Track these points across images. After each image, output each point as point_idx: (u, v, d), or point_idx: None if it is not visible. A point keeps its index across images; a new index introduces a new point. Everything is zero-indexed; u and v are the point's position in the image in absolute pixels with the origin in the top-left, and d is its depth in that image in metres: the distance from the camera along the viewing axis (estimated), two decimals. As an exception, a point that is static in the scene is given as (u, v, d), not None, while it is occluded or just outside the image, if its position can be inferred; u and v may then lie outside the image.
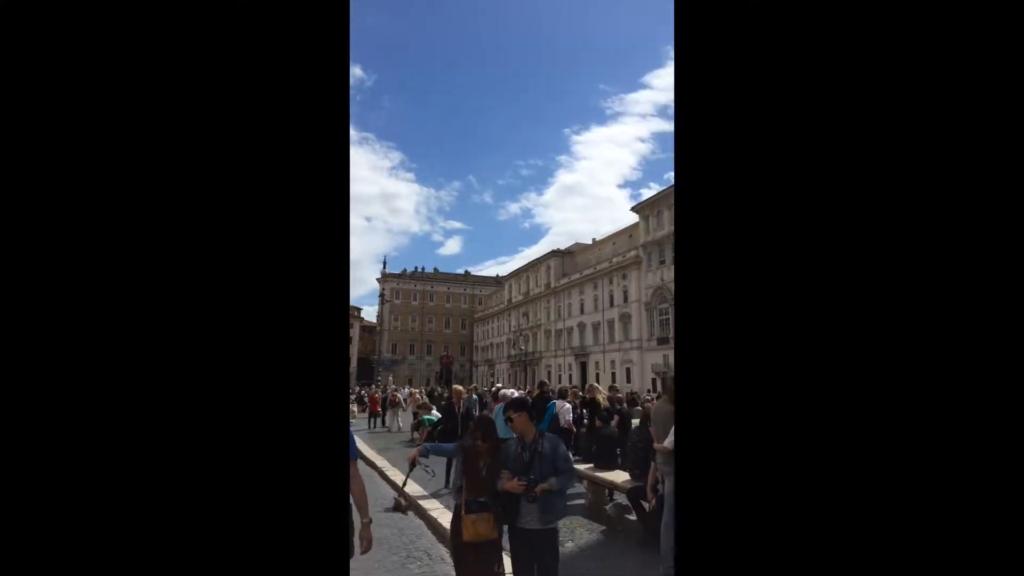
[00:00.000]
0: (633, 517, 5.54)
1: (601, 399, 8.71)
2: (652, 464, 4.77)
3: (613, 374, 43.67)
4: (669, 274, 41.19)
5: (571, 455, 3.45)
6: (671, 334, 33.36)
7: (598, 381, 26.83)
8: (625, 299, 44.87)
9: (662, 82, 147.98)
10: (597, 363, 47.50)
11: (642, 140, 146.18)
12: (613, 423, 7.78)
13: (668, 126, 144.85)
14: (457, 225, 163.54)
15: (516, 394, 8.96)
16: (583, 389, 11.15)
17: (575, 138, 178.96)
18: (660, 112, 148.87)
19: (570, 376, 49.20)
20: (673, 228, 37.10)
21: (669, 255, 40.81)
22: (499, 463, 3.02)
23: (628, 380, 40.78)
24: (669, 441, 4.04)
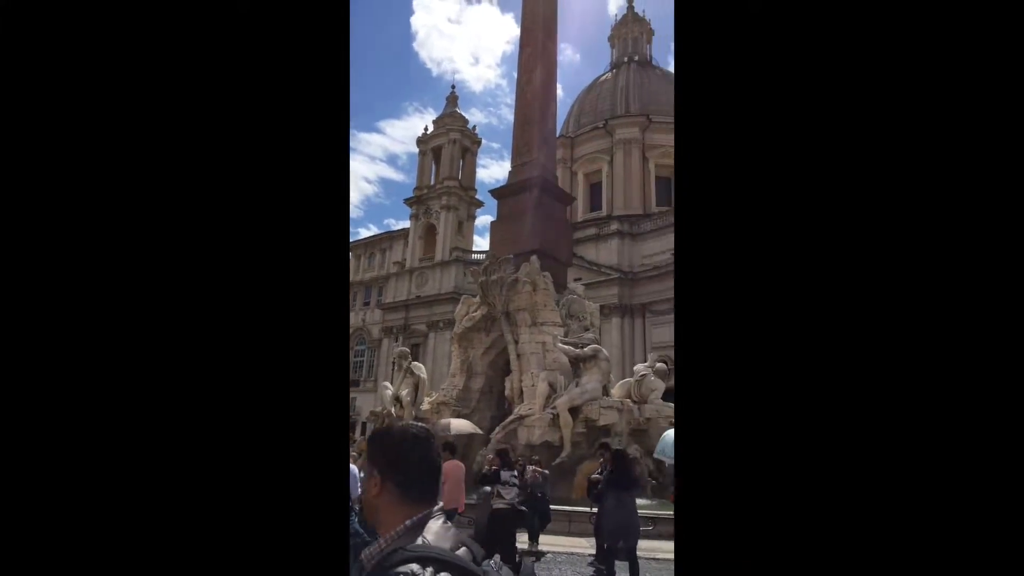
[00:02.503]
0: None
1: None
2: None
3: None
4: (372, 316, 41.68)
5: None
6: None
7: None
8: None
9: (397, 132, 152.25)
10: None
11: (368, 181, 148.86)
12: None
13: (395, 175, 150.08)
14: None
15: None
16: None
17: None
18: (390, 159, 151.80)
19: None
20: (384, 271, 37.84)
21: (374, 296, 40.32)
22: None
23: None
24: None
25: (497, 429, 15.43)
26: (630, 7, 56.88)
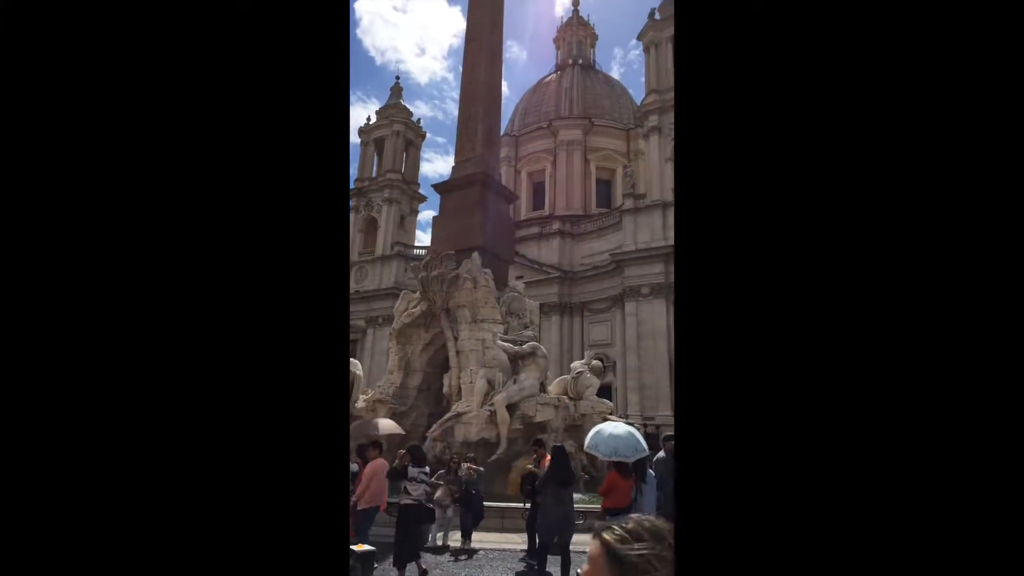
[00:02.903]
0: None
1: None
2: None
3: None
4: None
5: None
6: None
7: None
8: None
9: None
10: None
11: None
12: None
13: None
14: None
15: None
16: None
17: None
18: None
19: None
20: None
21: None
22: None
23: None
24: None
25: (434, 426, 15.28)
26: (575, 10, 57.85)
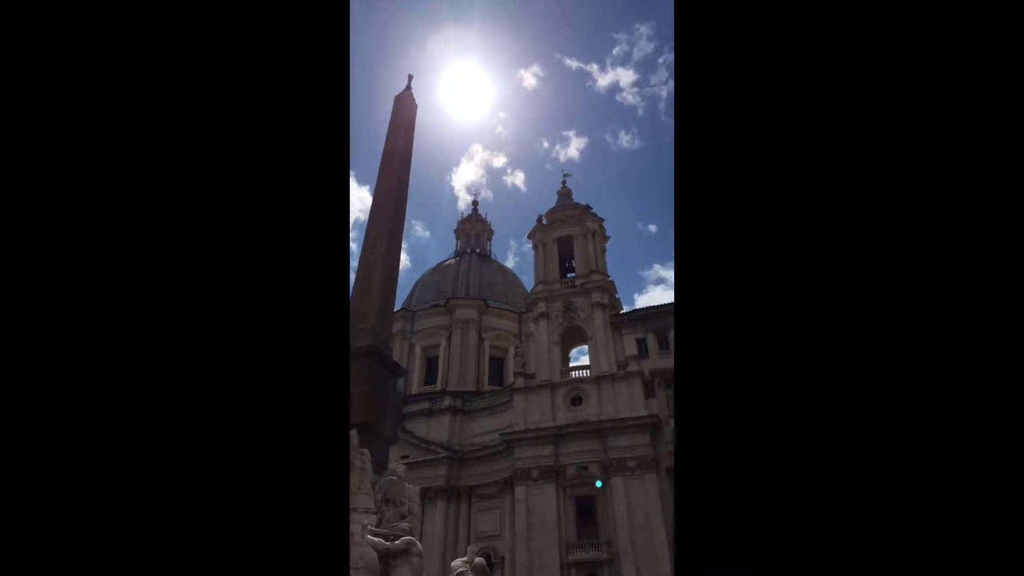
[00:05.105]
0: None
1: None
2: None
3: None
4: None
5: None
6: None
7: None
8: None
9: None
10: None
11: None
12: None
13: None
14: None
15: None
16: None
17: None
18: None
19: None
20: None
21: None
22: None
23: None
24: None
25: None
26: (475, 208, 65.38)
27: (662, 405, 31.29)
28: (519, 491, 31.97)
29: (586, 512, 30.29)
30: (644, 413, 31.09)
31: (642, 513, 28.11)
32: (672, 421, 30.46)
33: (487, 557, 20.82)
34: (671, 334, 33.61)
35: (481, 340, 49.22)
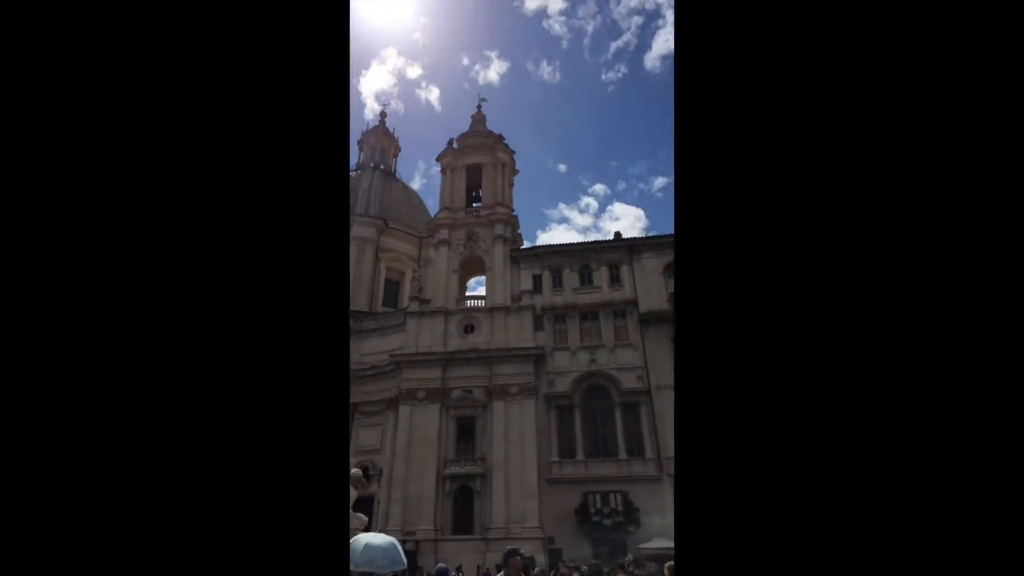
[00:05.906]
0: None
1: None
2: None
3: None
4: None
5: None
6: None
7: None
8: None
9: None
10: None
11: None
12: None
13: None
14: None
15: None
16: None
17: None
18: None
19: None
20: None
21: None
22: None
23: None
24: None
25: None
26: (382, 120, 61.27)
27: (548, 338, 33.16)
28: (403, 410, 32.75)
29: (466, 431, 31.99)
30: (531, 344, 32.78)
31: (517, 432, 30.30)
32: (555, 354, 32.57)
33: (364, 469, 21.44)
34: (566, 272, 35.18)
35: (377, 260, 47.88)
